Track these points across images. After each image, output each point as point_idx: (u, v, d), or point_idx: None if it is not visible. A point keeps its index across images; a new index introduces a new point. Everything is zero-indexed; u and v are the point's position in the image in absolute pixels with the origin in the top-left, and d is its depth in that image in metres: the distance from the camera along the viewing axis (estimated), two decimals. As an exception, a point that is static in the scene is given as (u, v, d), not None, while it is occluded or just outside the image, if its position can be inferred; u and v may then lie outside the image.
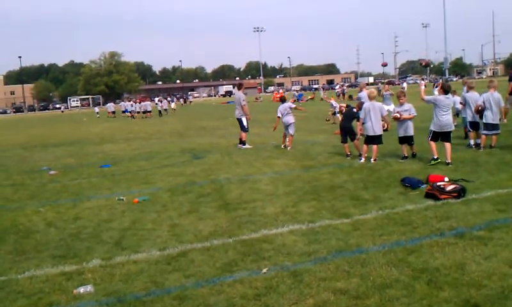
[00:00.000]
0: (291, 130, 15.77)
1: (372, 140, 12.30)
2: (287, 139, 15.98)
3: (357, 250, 6.11)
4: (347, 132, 13.42)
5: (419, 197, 8.55)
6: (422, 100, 12.21)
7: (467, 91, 13.98)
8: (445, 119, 11.44)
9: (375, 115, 12.19)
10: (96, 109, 67.84)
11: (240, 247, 6.51)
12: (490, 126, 12.89)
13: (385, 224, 7.08)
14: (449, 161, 11.19)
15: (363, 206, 8.14)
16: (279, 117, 16.07)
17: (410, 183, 9.33)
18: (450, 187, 8.47)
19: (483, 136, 13.08)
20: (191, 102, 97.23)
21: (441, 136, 11.54)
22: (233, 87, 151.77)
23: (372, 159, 12.15)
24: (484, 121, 13.02)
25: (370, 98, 12.69)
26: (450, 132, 11.56)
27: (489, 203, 7.81)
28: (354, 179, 10.40)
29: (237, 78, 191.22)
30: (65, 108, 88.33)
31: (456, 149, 13.12)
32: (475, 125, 13.45)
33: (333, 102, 25.71)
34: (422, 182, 9.31)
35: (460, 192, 8.36)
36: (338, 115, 21.72)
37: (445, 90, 11.75)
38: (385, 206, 8.01)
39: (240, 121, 17.19)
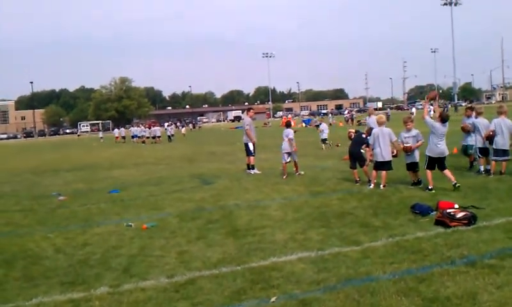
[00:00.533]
0: (294, 157, 15.80)
1: (381, 166, 12.26)
2: (293, 165, 15.90)
3: (367, 278, 6.04)
4: (356, 158, 13.40)
5: (429, 224, 8.47)
6: (422, 119, 12.20)
7: (476, 117, 13.95)
8: (440, 147, 11.51)
9: (384, 141, 12.17)
10: (101, 134, 68.49)
11: (249, 274, 6.46)
12: (501, 152, 12.83)
13: (395, 252, 7.01)
14: (455, 182, 11.19)
15: (373, 233, 8.07)
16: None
17: (420, 210, 9.26)
18: (460, 214, 8.39)
19: (493, 162, 13.01)
20: (200, 126, 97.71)
21: (437, 163, 11.57)
22: (242, 113, 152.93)
23: (381, 185, 12.10)
24: (494, 146, 12.96)
25: (379, 123, 12.69)
26: (444, 157, 11.61)
27: (500, 231, 7.72)
28: (364, 205, 10.34)
29: (246, 103, 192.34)
30: (80, 133, 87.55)
31: (466, 176, 13.07)
32: (485, 151, 13.36)
33: (323, 124, 27.33)
34: (432, 209, 9.23)
35: (470, 220, 8.27)
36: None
37: (443, 119, 11.66)
38: (395, 234, 7.95)
39: (246, 145, 17.27)
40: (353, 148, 13.64)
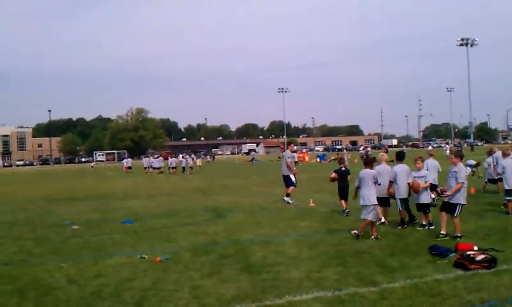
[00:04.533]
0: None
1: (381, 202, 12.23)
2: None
3: (385, 321, 5.88)
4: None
5: (448, 266, 8.29)
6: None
7: (504, 158, 13.84)
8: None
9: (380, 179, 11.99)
10: (92, 164, 69.74)
11: (264, 313, 6.33)
12: None
13: (414, 294, 6.84)
14: (457, 234, 10.54)
15: (391, 274, 7.90)
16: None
17: (438, 251, 9.08)
18: (480, 257, 8.22)
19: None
20: (213, 156, 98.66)
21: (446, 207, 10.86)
22: (257, 146, 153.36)
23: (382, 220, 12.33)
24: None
25: (381, 161, 12.91)
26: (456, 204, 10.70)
27: (521, 275, 7.53)
28: (381, 245, 10.16)
29: (261, 136, 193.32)
30: (94, 164, 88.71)
31: (485, 217, 12.87)
32: None
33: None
34: (451, 251, 9.05)
35: (491, 263, 8.10)
36: None
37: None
38: (413, 275, 7.77)
39: (288, 177, 18.18)
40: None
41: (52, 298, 7.43)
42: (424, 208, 11.90)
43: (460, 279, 7.49)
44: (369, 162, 11.69)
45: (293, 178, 18.15)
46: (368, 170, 11.36)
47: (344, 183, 14.91)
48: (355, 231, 10.93)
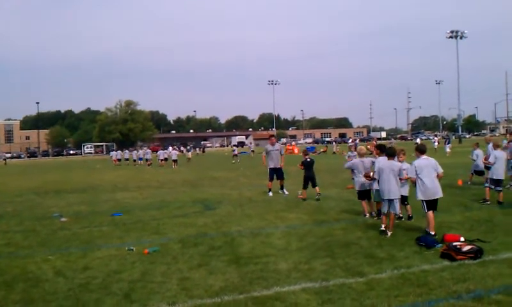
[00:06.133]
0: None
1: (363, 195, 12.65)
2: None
3: (372, 311, 5.93)
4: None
5: (435, 256, 8.35)
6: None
7: (495, 149, 14.13)
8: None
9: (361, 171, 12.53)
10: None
11: (252, 304, 6.36)
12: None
13: (401, 285, 6.90)
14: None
15: (378, 265, 7.96)
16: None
17: (425, 242, 9.15)
18: (466, 248, 8.29)
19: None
20: (204, 150, 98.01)
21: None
22: (246, 138, 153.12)
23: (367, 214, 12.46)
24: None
25: (360, 155, 13.06)
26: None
27: (507, 266, 7.62)
28: (369, 236, 10.22)
29: (250, 129, 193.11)
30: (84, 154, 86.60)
31: (471, 208, 12.98)
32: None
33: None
34: (438, 242, 9.13)
35: (477, 253, 8.17)
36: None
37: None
38: (400, 266, 7.83)
39: (280, 170, 18.46)
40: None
41: (40, 290, 7.40)
42: (403, 200, 11.49)
43: (447, 270, 7.56)
44: (391, 153, 10.89)
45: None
46: (391, 162, 10.63)
47: (309, 173, 16.48)
48: (384, 229, 10.40)
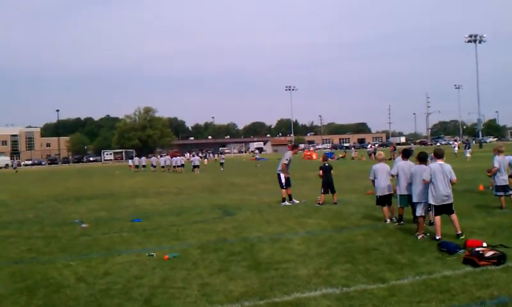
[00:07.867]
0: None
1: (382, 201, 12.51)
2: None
3: (394, 318, 5.87)
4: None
5: (457, 262, 8.25)
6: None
7: (498, 155, 14.00)
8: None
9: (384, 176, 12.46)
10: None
11: (272, 310, 6.33)
12: None
13: (423, 291, 6.82)
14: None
15: (399, 271, 7.88)
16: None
17: (447, 247, 9.04)
18: (489, 253, 8.18)
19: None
20: (221, 154, 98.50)
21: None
22: (264, 144, 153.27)
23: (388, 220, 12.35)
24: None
25: (379, 160, 12.95)
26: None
27: (532, 272, 7.49)
28: (390, 242, 10.13)
29: (268, 135, 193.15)
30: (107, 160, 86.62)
31: (493, 214, 12.82)
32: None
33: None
34: (460, 247, 9.01)
35: (500, 259, 8.05)
36: None
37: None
38: (422, 272, 7.75)
39: (278, 176, 17.85)
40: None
41: (62, 296, 7.47)
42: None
43: (469, 276, 7.45)
44: (423, 158, 10.98)
45: (282, 179, 17.62)
46: (422, 166, 10.73)
47: (327, 178, 16.56)
48: (420, 235, 10.41)
